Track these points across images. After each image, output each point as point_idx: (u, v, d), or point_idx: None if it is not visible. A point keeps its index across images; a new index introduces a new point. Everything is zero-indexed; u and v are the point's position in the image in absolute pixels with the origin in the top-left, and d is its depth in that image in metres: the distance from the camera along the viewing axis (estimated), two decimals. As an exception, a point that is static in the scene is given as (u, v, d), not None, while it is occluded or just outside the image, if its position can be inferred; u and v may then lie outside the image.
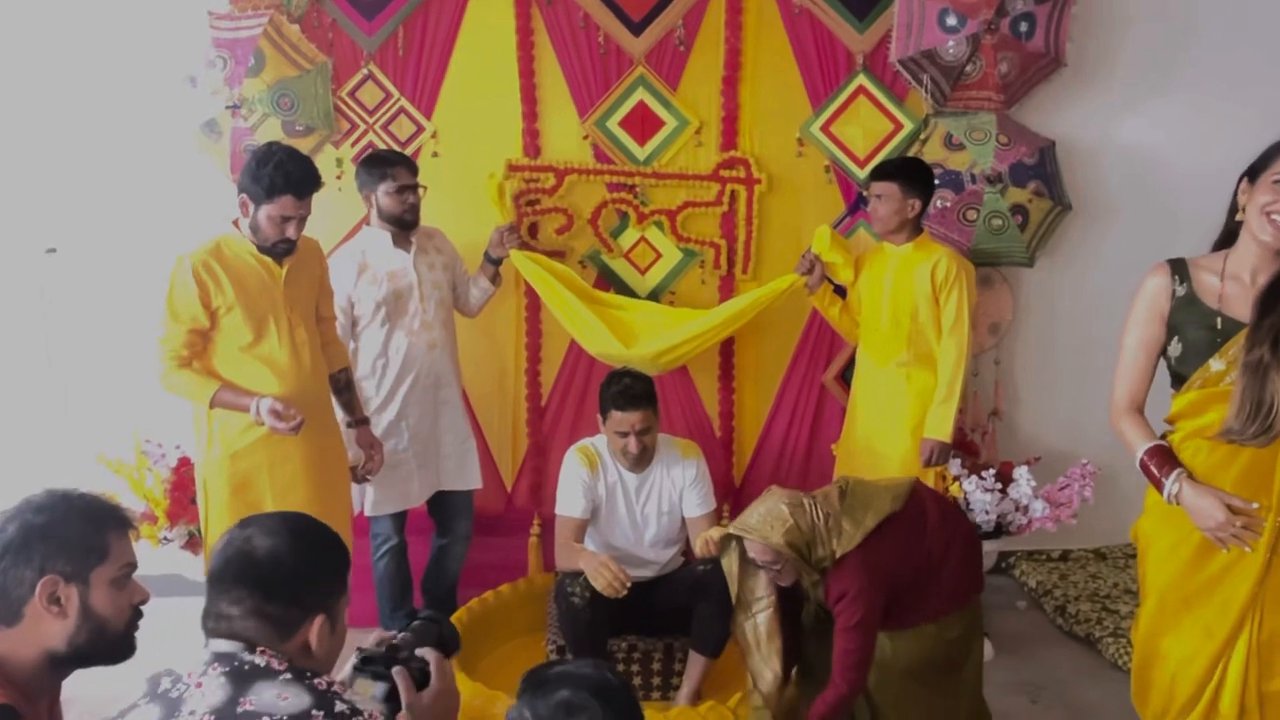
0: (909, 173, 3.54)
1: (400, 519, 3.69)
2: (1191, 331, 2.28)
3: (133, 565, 1.69)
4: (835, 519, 2.60)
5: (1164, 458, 2.30)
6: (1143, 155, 4.19)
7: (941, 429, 3.50)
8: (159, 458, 3.78)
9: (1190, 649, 2.30)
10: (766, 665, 2.75)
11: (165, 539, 3.69)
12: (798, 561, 2.57)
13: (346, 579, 1.67)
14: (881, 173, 3.55)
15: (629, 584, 3.01)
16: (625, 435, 3.27)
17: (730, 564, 2.73)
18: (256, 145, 3.19)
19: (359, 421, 3.37)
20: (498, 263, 3.76)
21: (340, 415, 3.31)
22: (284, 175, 2.87)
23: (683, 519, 3.42)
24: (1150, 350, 2.36)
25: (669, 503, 3.38)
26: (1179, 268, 2.33)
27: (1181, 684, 2.32)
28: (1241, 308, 2.20)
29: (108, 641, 1.64)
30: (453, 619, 3.43)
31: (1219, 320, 2.23)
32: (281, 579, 1.56)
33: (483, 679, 3.14)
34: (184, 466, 3.70)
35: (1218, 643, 2.26)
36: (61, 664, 1.62)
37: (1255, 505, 2.17)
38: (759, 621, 2.75)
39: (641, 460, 3.34)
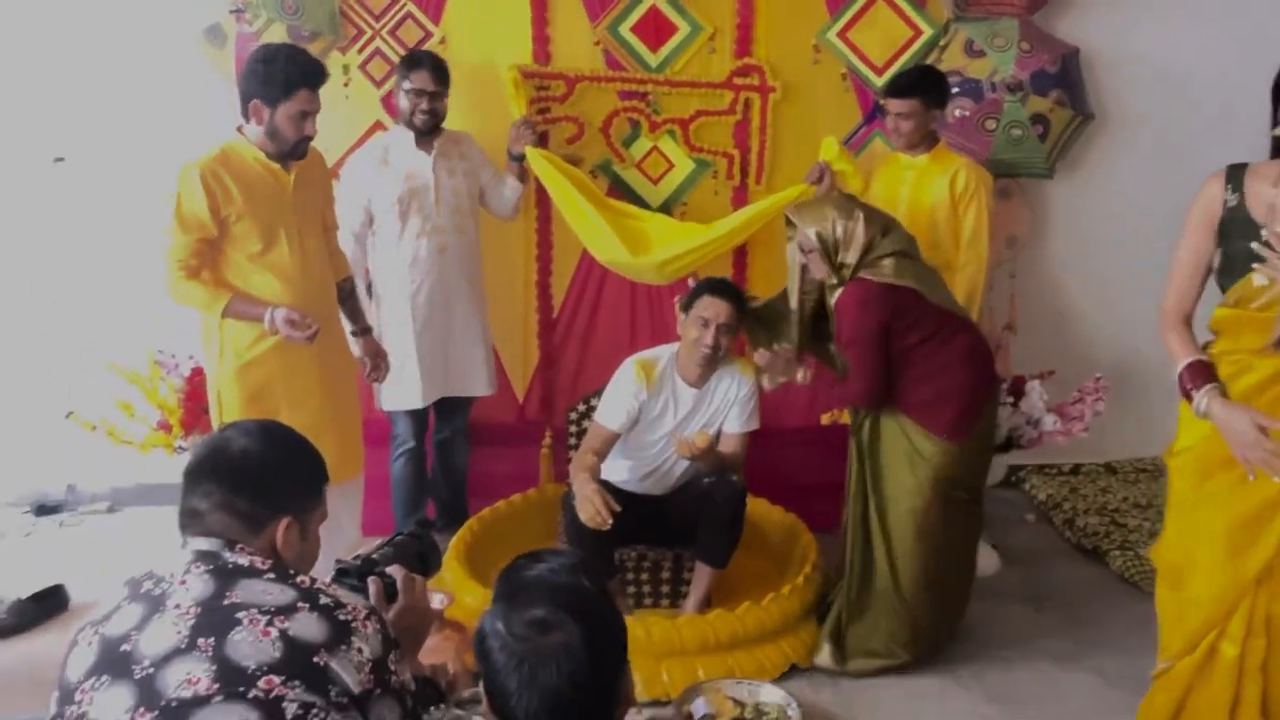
0: (928, 86, 3.45)
1: (420, 424, 3.74)
2: (1235, 243, 2.18)
3: None
4: (875, 246, 2.90)
5: (1199, 372, 2.21)
6: (1170, 63, 4.08)
7: None
8: (172, 368, 3.80)
9: (1216, 586, 2.26)
10: (794, 290, 3.16)
11: (180, 448, 3.74)
12: (824, 255, 2.93)
13: (320, 491, 1.69)
14: (902, 90, 3.43)
15: (610, 521, 2.98)
16: (706, 325, 3.17)
17: (789, 245, 3.10)
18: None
19: (363, 330, 3.37)
20: (520, 159, 3.72)
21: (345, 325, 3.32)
22: (297, 69, 2.85)
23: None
24: (1200, 260, 2.26)
25: (716, 423, 3.34)
26: (1234, 175, 2.22)
27: (1198, 617, 2.29)
28: None
29: None
30: (463, 528, 3.51)
31: (1263, 233, 2.11)
32: (249, 474, 1.58)
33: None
34: (198, 376, 3.72)
35: (1246, 580, 2.21)
36: None
37: None
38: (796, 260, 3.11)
39: (709, 365, 3.27)
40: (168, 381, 3.83)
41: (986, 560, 3.66)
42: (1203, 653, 2.29)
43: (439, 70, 3.52)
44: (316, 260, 3.07)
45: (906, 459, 3.00)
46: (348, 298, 3.30)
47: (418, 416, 3.73)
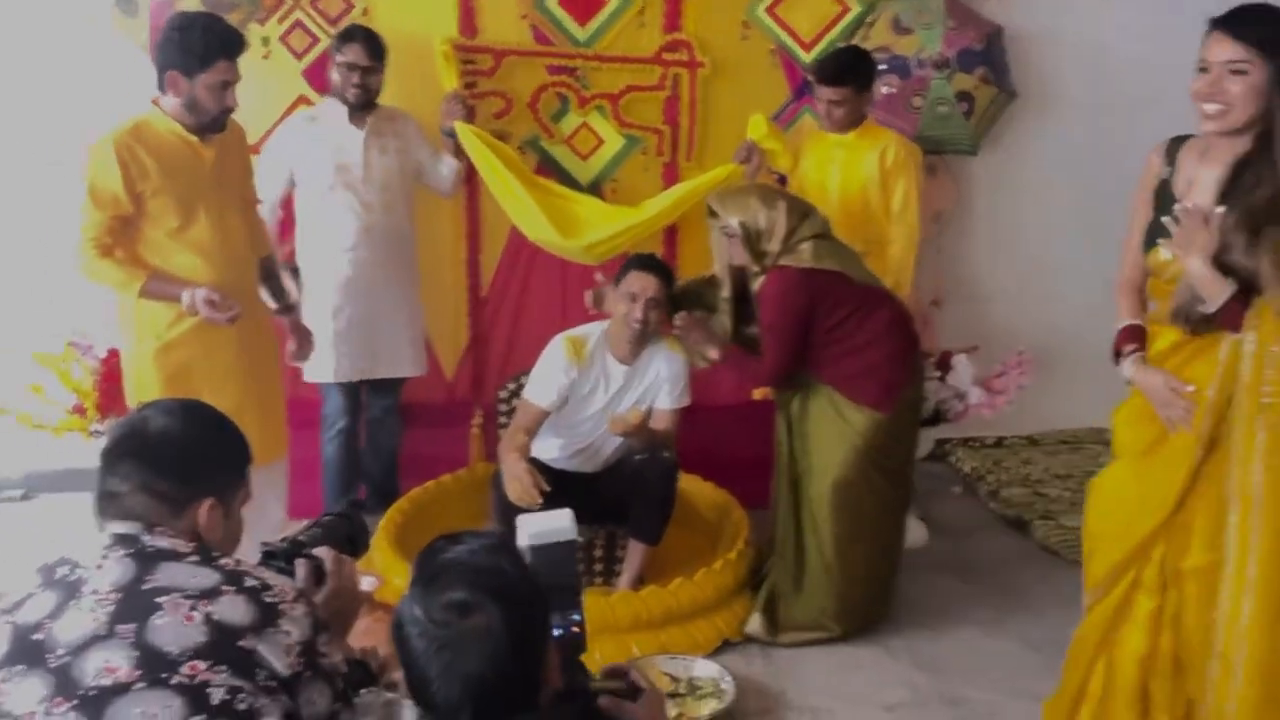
0: (858, 70, 3.45)
1: (351, 403, 3.67)
2: (1157, 215, 2.23)
3: None
4: (796, 233, 2.98)
5: (1129, 336, 2.30)
6: (1090, 42, 4.15)
7: None
8: (86, 349, 3.68)
9: (1126, 530, 2.35)
10: (725, 280, 3.23)
11: (96, 431, 3.63)
12: (746, 243, 2.99)
13: (243, 471, 1.64)
14: (832, 77, 3.41)
15: (540, 500, 2.97)
16: (634, 300, 3.17)
17: (713, 232, 3.17)
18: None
19: (286, 309, 3.30)
20: (451, 134, 3.66)
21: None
22: (216, 38, 2.75)
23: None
24: (1143, 230, 2.31)
25: (647, 400, 3.33)
26: (1172, 148, 2.27)
27: (1108, 557, 2.38)
28: (1205, 198, 2.14)
29: None
30: (392, 509, 3.47)
31: (1175, 207, 2.16)
32: (169, 455, 1.53)
33: (425, 568, 3.14)
34: (114, 358, 3.61)
35: (1153, 524, 2.30)
36: None
37: (1190, 387, 2.18)
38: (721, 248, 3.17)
39: (639, 341, 3.27)
40: (82, 363, 3.71)
41: (915, 533, 3.72)
42: (1118, 601, 2.36)
43: (373, 45, 3.45)
44: (237, 237, 2.98)
45: (836, 431, 3.07)
46: (270, 276, 3.22)
47: (349, 395, 3.66)
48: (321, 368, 3.56)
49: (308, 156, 3.47)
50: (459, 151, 3.68)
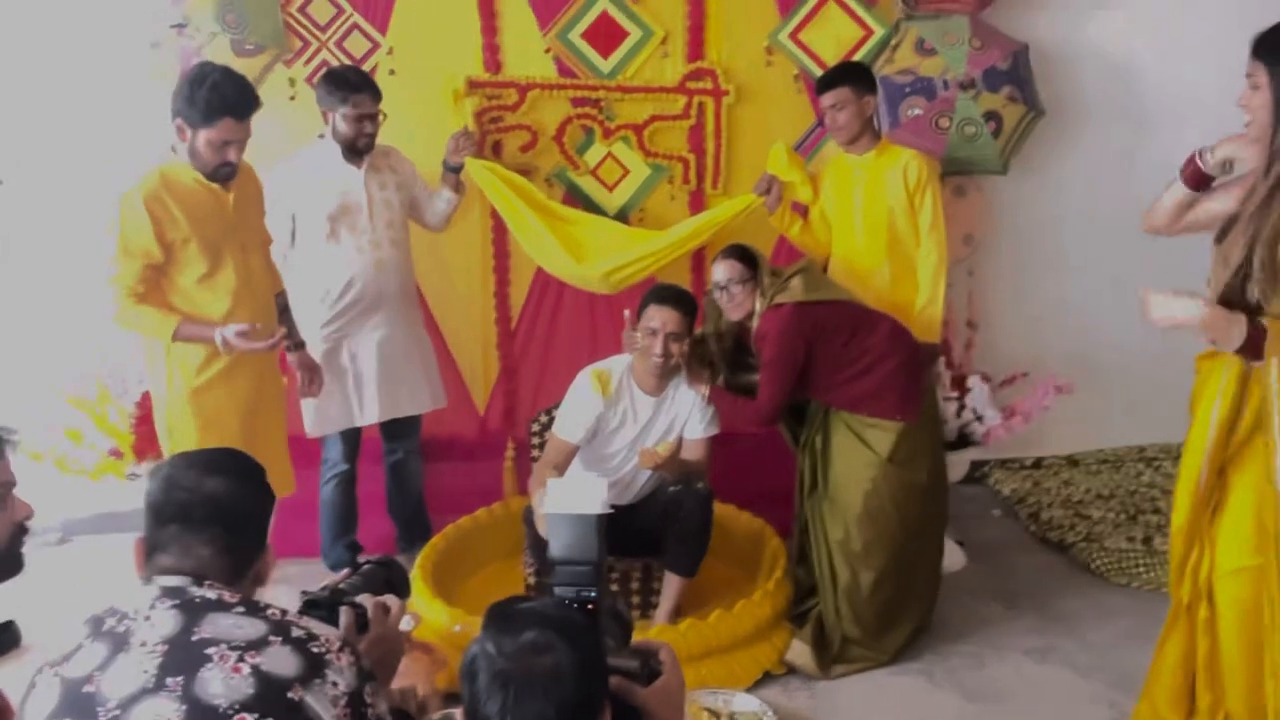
0: (853, 73, 3.43)
1: (352, 446, 3.62)
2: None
3: (9, 484, 1.73)
4: (784, 271, 3.15)
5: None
6: (1116, 57, 4.12)
7: (931, 331, 3.43)
8: (121, 393, 3.70)
9: (1174, 538, 2.40)
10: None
11: (133, 474, 3.64)
12: (753, 284, 3.15)
13: (271, 512, 1.68)
14: (828, 83, 3.41)
15: None
16: (654, 334, 3.15)
17: (714, 294, 3.27)
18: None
19: (297, 345, 3.30)
20: (457, 170, 3.65)
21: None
22: (220, 97, 2.75)
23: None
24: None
25: (676, 430, 3.31)
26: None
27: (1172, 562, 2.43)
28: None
29: None
30: (428, 546, 3.45)
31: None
32: (242, 518, 1.57)
33: (463, 605, 3.13)
34: (149, 400, 3.61)
35: (1179, 533, 2.36)
36: None
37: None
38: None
39: (664, 374, 3.25)
40: (117, 407, 3.72)
41: (951, 556, 3.67)
42: (1174, 605, 2.41)
43: (376, 89, 3.41)
44: (259, 277, 3.04)
45: (860, 458, 3.11)
46: (282, 312, 3.23)
47: (350, 440, 3.60)
48: (334, 417, 3.48)
49: (306, 199, 3.39)
50: (459, 187, 3.67)
